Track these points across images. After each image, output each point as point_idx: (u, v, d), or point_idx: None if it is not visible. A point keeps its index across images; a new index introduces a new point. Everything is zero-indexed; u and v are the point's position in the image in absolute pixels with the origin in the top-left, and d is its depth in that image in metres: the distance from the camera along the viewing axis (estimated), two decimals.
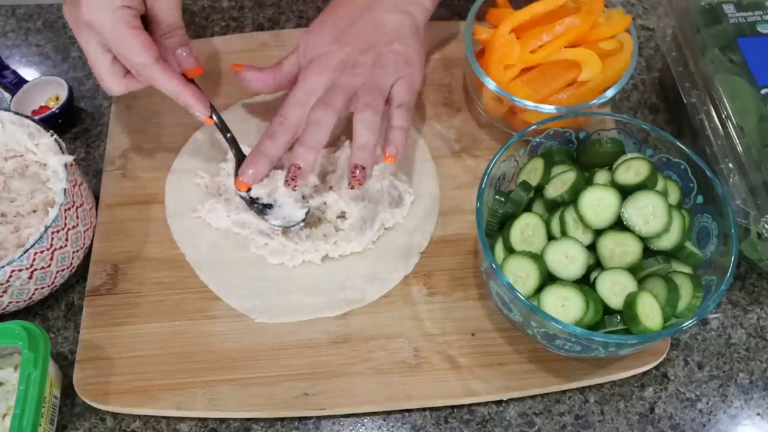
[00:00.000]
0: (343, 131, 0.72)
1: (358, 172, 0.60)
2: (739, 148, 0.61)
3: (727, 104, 0.63)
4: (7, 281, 0.57)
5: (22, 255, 0.56)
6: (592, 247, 0.57)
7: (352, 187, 0.61)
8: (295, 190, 0.62)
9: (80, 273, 0.66)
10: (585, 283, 0.57)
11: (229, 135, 0.66)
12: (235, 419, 0.60)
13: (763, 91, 0.63)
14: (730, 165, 0.61)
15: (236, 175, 0.64)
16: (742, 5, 0.69)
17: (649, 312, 0.53)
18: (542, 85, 0.65)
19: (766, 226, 0.58)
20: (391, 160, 0.62)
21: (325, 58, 0.65)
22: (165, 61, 0.60)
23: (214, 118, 0.64)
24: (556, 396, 0.61)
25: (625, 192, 0.57)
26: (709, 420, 0.60)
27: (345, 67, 0.65)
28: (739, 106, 0.63)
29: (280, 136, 0.62)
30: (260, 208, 0.65)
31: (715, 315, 0.64)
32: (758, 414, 0.60)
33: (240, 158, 0.66)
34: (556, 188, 0.59)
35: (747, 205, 0.59)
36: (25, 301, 0.61)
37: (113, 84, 0.61)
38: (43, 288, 0.61)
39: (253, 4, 0.85)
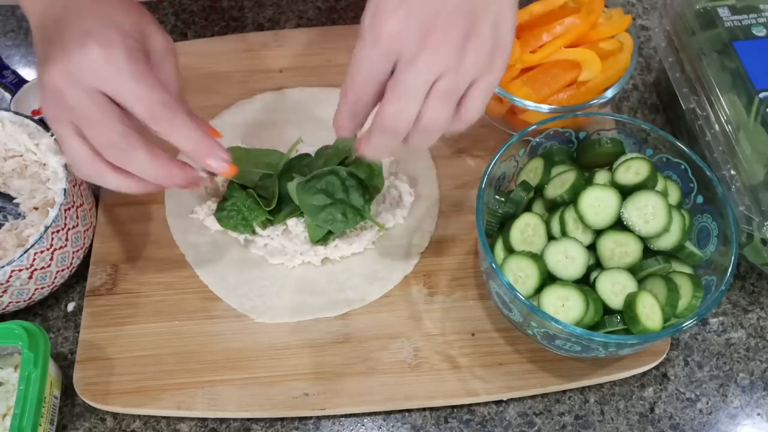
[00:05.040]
0: None
1: None
2: (740, 154, 0.60)
3: (726, 110, 0.62)
4: (7, 281, 0.57)
5: (22, 255, 0.56)
6: (592, 247, 0.57)
7: None
8: None
9: (80, 273, 0.66)
10: (585, 283, 0.57)
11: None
12: (235, 419, 0.60)
13: (761, 95, 0.63)
14: (732, 171, 0.60)
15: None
16: (736, 8, 0.68)
17: (649, 312, 0.53)
18: (542, 85, 0.65)
19: None
20: None
21: None
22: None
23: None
24: (556, 396, 0.61)
25: (625, 192, 0.57)
26: (709, 420, 0.60)
27: None
28: (739, 111, 0.62)
29: None
30: None
31: (715, 315, 0.64)
32: (758, 414, 0.60)
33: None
34: (556, 188, 0.59)
35: (750, 211, 0.58)
36: (25, 301, 0.61)
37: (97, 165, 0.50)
38: (43, 288, 0.61)
39: (253, 4, 0.85)
